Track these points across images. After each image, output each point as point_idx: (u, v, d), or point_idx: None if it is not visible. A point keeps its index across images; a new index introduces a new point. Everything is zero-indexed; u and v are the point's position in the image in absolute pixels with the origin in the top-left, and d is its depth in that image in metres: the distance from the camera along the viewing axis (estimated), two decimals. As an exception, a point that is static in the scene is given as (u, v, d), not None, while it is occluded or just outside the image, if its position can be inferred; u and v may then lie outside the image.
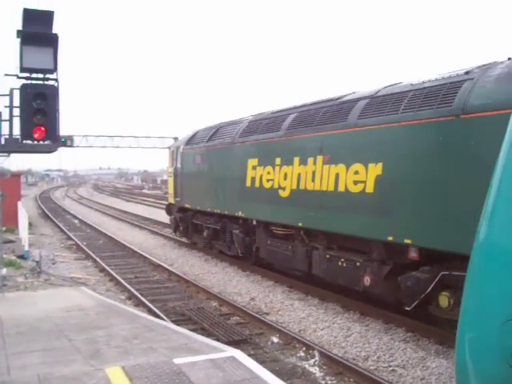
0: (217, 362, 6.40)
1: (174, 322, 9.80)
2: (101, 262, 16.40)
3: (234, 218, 15.24)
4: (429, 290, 8.47)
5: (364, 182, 9.64)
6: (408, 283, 8.87)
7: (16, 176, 27.76)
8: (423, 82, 9.14)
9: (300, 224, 11.73)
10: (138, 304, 11.64)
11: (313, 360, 8.14)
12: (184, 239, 20.51)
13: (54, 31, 9.56)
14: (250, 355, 7.38)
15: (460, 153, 7.84)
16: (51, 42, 9.55)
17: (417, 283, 8.71)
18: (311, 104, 12.43)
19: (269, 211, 13.13)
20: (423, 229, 8.47)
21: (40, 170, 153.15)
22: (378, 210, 9.32)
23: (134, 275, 14.92)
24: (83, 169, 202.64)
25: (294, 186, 11.85)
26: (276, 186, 12.62)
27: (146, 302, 11.40)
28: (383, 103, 9.66)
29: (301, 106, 12.86)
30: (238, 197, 14.69)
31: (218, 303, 11.74)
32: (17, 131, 9.87)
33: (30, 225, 23.40)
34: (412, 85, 9.37)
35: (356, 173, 9.87)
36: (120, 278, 13.91)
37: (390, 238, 9.08)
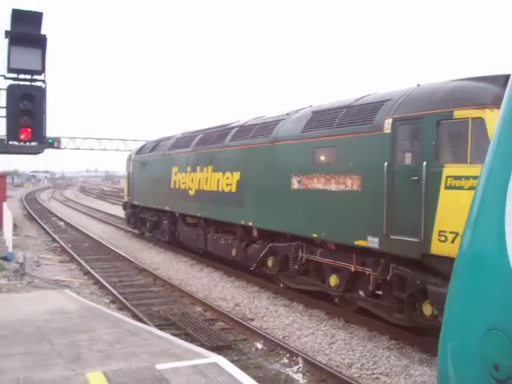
0: (199, 368, 6.35)
1: (157, 326, 9.74)
2: (85, 264, 16.28)
3: (164, 211, 19.83)
4: (261, 255, 13.02)
5: (231, 184, 14.07)
6: (250, 252, 13.48)
7: (2, 177, 27.52)
8: (267, 118, 13.58)
9: (199, 214, 16.36)
10: (122, 308, 11.56)
11: (296, 367, 8.12)
12: (136, 230, 24.57)
13: (42, 32, 9.51)
14: (233, 361, 7.36)
15: (273, 166, 12.15)
16: (39, 43, 9.49)
17: (254, 251, 13.28)
18: (211, 128, 17.10)
19: (183, 206, 17.63)
20: (257, 215, 12.88)
21: (26, 171, 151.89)
22: (237, 204, 13.68)
23: (119, 279, 14.82)
24: (70, 171, 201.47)
25: (197, 187, 16.36)
26: (187, 187, 17.12)
27: (130, 306, 11.33)
28: (242, 131, 14.17)
29: (205, 130, 17.49)
30: (166, 195, 19.16)
31: (203, 308, 11.69)
32: (3, 132, 9.78)
33: (15, 226, 23.20)
34: (263, 119, 13.82)
35: (227, 178, 14.30)
36: (104, 282, 13.82)
37: (243, 222, 13.48)
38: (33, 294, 11.45)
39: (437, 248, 7.82)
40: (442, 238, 7.73)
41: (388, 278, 9.05)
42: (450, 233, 7.61)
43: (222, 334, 9.69)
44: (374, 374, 7.91)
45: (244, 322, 10.28)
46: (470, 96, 7.93)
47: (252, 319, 10.75)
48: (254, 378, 6.49)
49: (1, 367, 6.35)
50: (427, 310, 8.43)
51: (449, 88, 8.35)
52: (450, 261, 7.30)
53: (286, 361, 8.42)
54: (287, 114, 12.61)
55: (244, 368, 7.31)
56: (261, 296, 12.63)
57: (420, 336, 9.17)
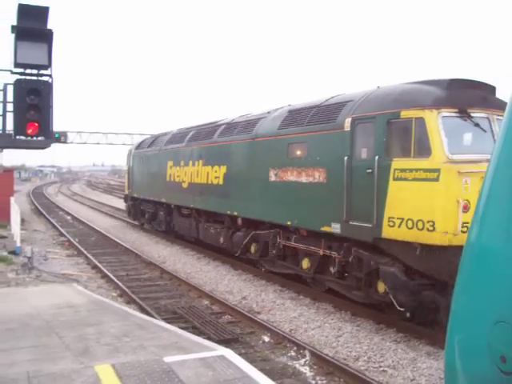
0: (207, 361, 6.39)
1: (165, 320, 9.78)
2: (93, 258, 16.36)
3: (160, 203, 21.11)
4: (244, 242, 14.09)
5: (219, 177, 15.26)
6: (235, 239, 14.59)
7: (9, 171, 27.66)
8: (251, 116, 14.70)
9: (192, 205, 17.48)
10: (130, 301, 11.61)
11: (303, 360, 8.15)
12: (136, 222, 25.68)
13: (48, 27, 9.53)
14: (240, 354, 7.37)
15: (254, 160, 13.29)
16: (46, 37, 9.52)
17: (239, 239, 14.36)
18: (202, 125, 18.23)
19: (178, 197, 18.85)
20: (241, 205, 13.97)
21: (33, 166, 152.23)
22: (224, 195, 14.90)
23: (126, 272, 14.88)
24: (77, 165, 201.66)
25: (190, 180, 17.57)
26: (181, 180, 18.34)
27: (138, 300, 11.38)
28: (229, 128, 15.35)
29: (197, 126, 18.67)
30: (162, 188, 20.44)
31: (210, 302, 11.73)
32: (10, 127, 9.82)
33: (23, 220, 23.30)
34: (247, 117, 14.92)
35: (215, 171, 15.49)
36: (112, 276, 13.88)
37: (229, 212, 14.69)
38: (41, 287, 11.51)
39: (387, 232, 8.91)
40: (391, 224, 8.79)
41: (350, 260, 10.08)
42: (397, 219, 8.67)
43: (229, 327, 9.72)
44: (381, 366, 7.92)
45: (251, 316, 10.31)
46: (414, 98, 8.96)
47: (259, 312, 10.78)
48: (262, 370, 6.52)
49: (10, 360, 6.41)
50: (380, 287, 9.45)
51: (399, 90, 9.38)
52: (397, 243, 8.83)
53: (293, 354, 8.45)
54: (268, 112, 13.77)
55: (251, 361, 7.33)
56: (267, 289, 12.65)
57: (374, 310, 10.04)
